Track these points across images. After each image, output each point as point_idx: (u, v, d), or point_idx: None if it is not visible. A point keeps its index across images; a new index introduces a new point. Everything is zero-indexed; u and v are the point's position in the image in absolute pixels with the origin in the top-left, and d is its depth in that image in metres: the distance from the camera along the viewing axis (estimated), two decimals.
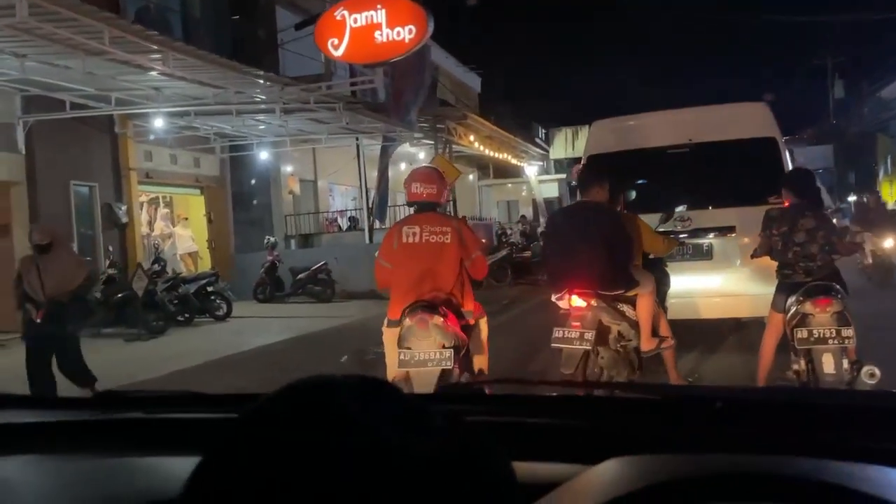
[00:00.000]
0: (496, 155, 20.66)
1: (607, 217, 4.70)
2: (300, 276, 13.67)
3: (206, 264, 14.45)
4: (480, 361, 4.43)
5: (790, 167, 6.36)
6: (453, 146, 18.26)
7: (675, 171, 6.44)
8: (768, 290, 5.16)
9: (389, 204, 15.56)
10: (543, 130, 28.72)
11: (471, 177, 27.92)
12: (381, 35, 8.55)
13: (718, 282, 6.28)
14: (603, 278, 4.54)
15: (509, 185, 27.47)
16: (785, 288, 4.84)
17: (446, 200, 4.88)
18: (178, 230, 14.42)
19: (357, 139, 14.19)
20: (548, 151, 27.74)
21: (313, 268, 13.60)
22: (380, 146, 14.83)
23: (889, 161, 35.05)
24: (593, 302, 4.51)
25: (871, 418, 1.07)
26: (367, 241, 14.46)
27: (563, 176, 28.16)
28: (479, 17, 27.61)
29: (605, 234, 4.55)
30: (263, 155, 15.22)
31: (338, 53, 8.82)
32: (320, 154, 18.12)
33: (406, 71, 14.70)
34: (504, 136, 20.34)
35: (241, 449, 0.54)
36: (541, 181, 24.82)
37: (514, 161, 22.94)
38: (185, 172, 13.84)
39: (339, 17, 8.73)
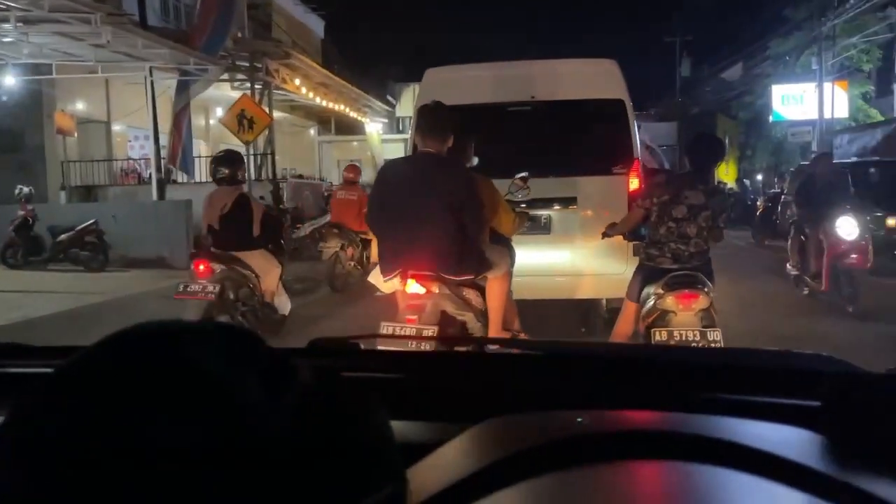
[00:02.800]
0: (332, 107, 18.38)
1: (457, 176, 3.72)
2: (61, 237, 10.88)
3: None
4: None
5: (637, 136, 5.88)
6: (275, 90, 15.83)
7: (515, 132, 5.83)
8: (613, 270, 4.91)
9: (195, 154, 12.97)
10: (395, 86, 26.63)
11: (311, 132, 25.48)
12: None
13: (557, 259, 5.78)
14: (450, 258, 3.62)
15: (355, 143, 25.27)
16: (645, 273, 4.17)
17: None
18: None
19: (149, 73, 11.40)
20: (394, 108, 25.68)
21: (79, 228, 10.85)
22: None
23: (727, 141, 36.37)
24: (435, 288, 3.61)
25: (741, 375, 1.10)
26: (155, 196, 11.85)
27: (410, 135, 26.38)
28: None
29: (453, 199, 3.61)
30: (27, 83, 12.03)
31: None
32: (117, 91, 15.03)
33: None
34: (341, 86, 18.03)
35: (56, 408, 0.45)
36: (384, 140, 22.76)
37: (355, 116, 20.73)
38: None
39: None
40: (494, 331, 3.84)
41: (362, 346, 1.38)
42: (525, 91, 5.84)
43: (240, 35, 12.84)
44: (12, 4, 7.66)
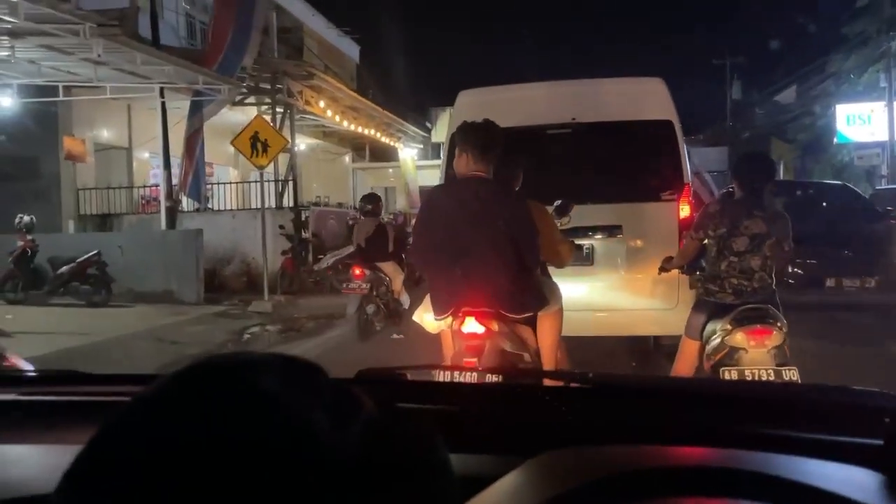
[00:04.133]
0: (363, 131, 17.54)
1: (514, 203, 3.48)
2: (62, 269, 10.11)
3: None
4: None
5: (688, 159, 5.52)
6: (304, 115, 15.04)
7: (554, 156, 5.51)
8: (664, 305, 4.85)
9: (208, 181, 12.18)
10: (432, 111, 25.78)
11: (346, 158, 24.75)
12: None
13: (601, 293, 5.39)
14: (509, 293, 3.37)
15: (390, 170, 24.44)
16: (706, 308, 3.94)
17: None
18: None
19: (159, 93, 10.65)
20: (430, 133, 24.80)
21: (80, 259, 10.06)
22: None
23: (782, 166, 34.72)
24: (494, 326, 3.34)
25: (802, 412, 1.10)
26: (164, 226, 11.03)
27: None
28: None
29: (511, 229, 3.35)
30: (41, 107, 11.42)
31: None
32: (139, 116, 14.42)
33: (227, 6, 11.38)
34: (372, 110, 17.19)
35: (135, 436, 0.47)
36: (419, 166, 21.83)
37: (388, 141, 19.89)
38: None
39: None
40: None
41: (412, 377, 1.38)
42: (565, 112, 5.54)
43: (258, 55, 12.04)
44: None
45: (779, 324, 3.69)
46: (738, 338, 3.66)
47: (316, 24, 20.81)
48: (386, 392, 1.18)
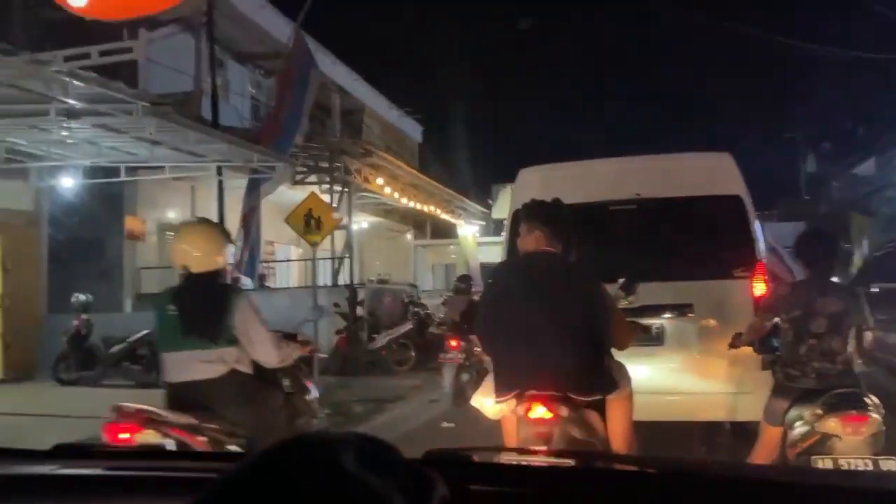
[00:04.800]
0: (423, 208, 17.40)
1: (586, 281, 3.29)
2: (113, 349, 9.99)
3: None
4: None
5: (760, 234, 5.37)
6: (364, 193, 14.99)
7: (618, 233, 5.49)
8: (740, 388, 4.75)
9: (261, 260, 12.08)
10: (493, 187, 25.63)
11: (408, 236, 24.70)
12: None
13: (672, 375, 5.20)
14: (579, 375, 3.14)
15: (451, 247, 24.22)
16: (788, 393, 3.75)
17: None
18: None
19: (217, 172, 10.71)
20: (491, 210, 24.58)
21: (131, 339, 9.94)
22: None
23: (865, 241, 32.96)
24: (562, 411, 3.07)
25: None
26: None
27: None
28: (422, 58, 24.87)
29: (582, 308, 3.15)
30: (107, 188, 11.64)
31: (78, 3, 5.50)
32: (203, 196, 14.62)
33: (284, 87, 11.51)
34: (432, 186, 17.08)
35: None
36: (480, 243, 21.50)
37: (448, 218, 19.71)
38: None
39: None
40: None
41: (483, 459, 1.35)
42: (629, 188, 5.45)
43: (318, 135, 12.09)
44: (49, 94, 6.98)
45: (875, 410, 3.51)
46: (832, 424, 3.49)
47: (378, 105, 21.15)
48: (456, 473, 1.12)
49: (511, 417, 3.28)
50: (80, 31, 6.60)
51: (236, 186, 12.35)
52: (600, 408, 3.31)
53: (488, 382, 3.45)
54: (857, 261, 32.43)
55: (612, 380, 3.29)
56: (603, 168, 5.92)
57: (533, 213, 3.45)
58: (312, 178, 14.68)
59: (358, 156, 12.89)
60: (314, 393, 4.47)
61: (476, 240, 21.97)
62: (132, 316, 12.10)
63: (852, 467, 3.39)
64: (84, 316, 10.21)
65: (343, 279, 13.01)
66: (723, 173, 5.45)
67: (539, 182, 5.56)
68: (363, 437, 0.56)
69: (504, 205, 25.25)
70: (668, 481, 1.21)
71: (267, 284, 15.46)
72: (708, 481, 1.16)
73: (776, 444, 3.86)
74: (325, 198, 13.47)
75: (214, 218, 11.16)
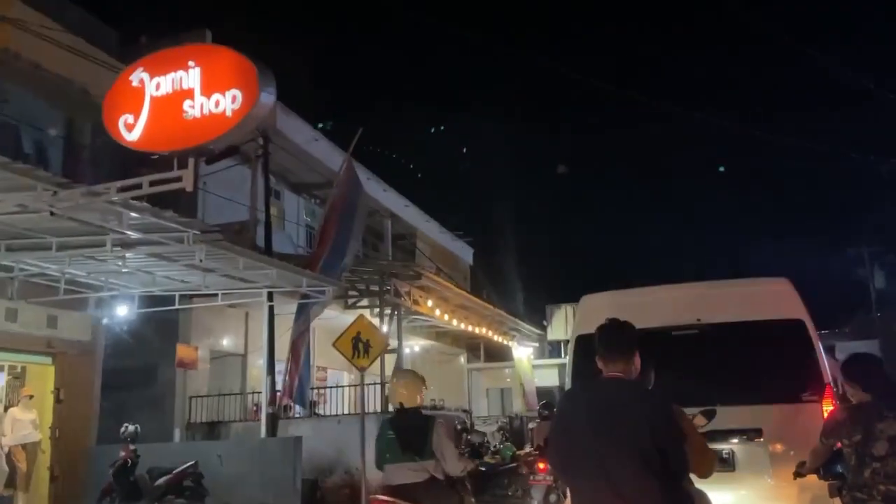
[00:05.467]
0: (475, 330, 17.11)
1: (658, 407, 3.14)
2: (159, 481, 9.71)
3: (47, 459, 10.62)
4: None
5: (824, 357, 5.38)
6: (415, 316, 14.84)
7: (682, 358, 5.33)
8: None
9: (312, 386, 11.87)
10: (547, 308, 25.23)
11: (461, 359, 24.26)
12: (194, 107, 5.47)
13: (745, 500, 5.18)
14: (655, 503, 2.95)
15: (506, 370, 23.61)
16: None
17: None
18: (15, 412, 10.68)
19: (267, 297, 10.75)
20: (545, 332, 24.05)
21: (177, 471, 9.66)
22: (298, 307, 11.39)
23: None
24: None
25: None
26: (264, 433, 10.60)
27: (564, 360, 24.35)
28: (473, 181, 25.40)
29: (655, 434, 2.98)
30: (161, 315, 11.79)
31: (132, 137, 5.70)
32: (256, 322, 14.69)
33: (333, 212, 11.72)
34: (483, 308, 16.85)
35: None
36: (535, 366, 20.90)
37: (501, 340, 19.32)
38: (29, 334, 10.38)
39: (136, 83, 5.71)
40: None
41: None
42: (690, 314, 5.59)
43: (367, 257, 12.16)
44: (107, 226, 7.18)
45: None
46: None
47: (429, 229, 21.44)
48: None
49: None
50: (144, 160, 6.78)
51: (289, 312, 12.39)
52: None
53: None
54: None
55: None
56: (664, 294, 6.03)
57: (601, 336, 3.47)
58: (364, 301, 14.70)
59: (408, 278, 12.85)
60: (472, 498, 5.74)
61: (531, 362, 21.39)
62: (178, 446, 11.88)
63: None
64: (132, 446, 10.01)
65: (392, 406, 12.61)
66: (783, 298, 5.57)
67: (602, 308, 5.42)
68: None
69: (559, 326, 24.79)
70: None
71: (317, 411, 15.16)
72: None
73: None
74: (376, 321, 13.39)
75: (265, 343, 11.12)
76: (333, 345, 9.94)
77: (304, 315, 11.33)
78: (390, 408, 13.56)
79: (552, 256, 28.02)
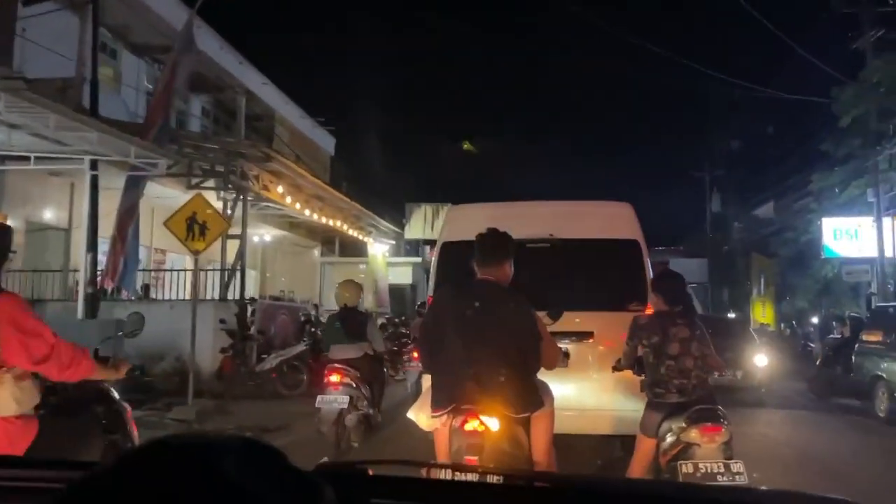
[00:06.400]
0: (330, 223, 16.50)
1: (522, 309, 3.65)
2: None
3: None
4: None
5: (651, 274, 6.00)
6: (266, 203, 13.96)
7: (533, 268, 5.59)
8: (630, 406, 5.22)
9: (141, 265, 10.88)
10: (406, 206, 24.89)
11: (315, 252, 23.63)
12: None
13: (575, 394, 5.76)
14: (513, 394, 3.50)
15: (361, 266, 23.29)
16: (658, 409, 4.39)
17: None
18: None
19: (89, 166, 9.51)
20: (403, 230, 23.83)
21: None
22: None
23: (762, 281, 34.12)
24: (496, 426, 3.43)
25: None
26: (81, 314, 9.65)
27: (419, 259, 24.36)
28: (339, 68, 24.06)
29: (518, 333, 3.57)
30: None
31: None
32: (82, 195, 13.26)
33: (168, 76, 10.48)
34: (339, 200, 16.21)
35: None
36: (390, 263, 20.71)
37: (356, 235, 18.84)
38: None
39: None
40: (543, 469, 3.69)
41: (386, 473, 1.35)
42: (544, 229, 6.17)
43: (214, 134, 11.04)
44: None
45: (726, 422, 4.21)
46: (693, 434, 4.13)
47: (289, 112, 20.14)
48: (351, 486, 1.15)
49: (443, 430, 3.59)
50: None
51: (119, 186, 11.16)
52: (526, 424, 3.63)
53: (425, 397, 3.87)
54: (754, 298, 33.55)
55: (539, 398, 3.64)
56: (521, 209, 6.66)
57: (485, 245, 3.80)
58: (211, 183, 13.61)
59: (256, 160, 11.89)
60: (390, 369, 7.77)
61: (386, 259, 21.17)
62: None
63: (710, 470, 4.08)
64: None
65: (234, 293, 11.93)
66: (623, 220, 6.27)
67: (466, 218, 6.21)
68: (249, 441, 0.52)
69: (417, 225, 24.63)
70: (555, 495, 1.29)
71: (153, 296, 14.17)
72: (594, 495, 1.25)
73: (651, 454, 4.42)
74: (221, 206, 12.42)
75: (86, 217, 9.97)
76: (165, 224, 9.06)
77: (133, 190, 10.21)
78: (229, 296, 12.99)
79: (415, 156, 27.46)
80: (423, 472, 1.74)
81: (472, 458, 3.37)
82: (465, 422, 3.46)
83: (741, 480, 4.04)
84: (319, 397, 6.78)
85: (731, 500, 1.44)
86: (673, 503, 1.29)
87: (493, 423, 3.44)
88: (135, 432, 4.07)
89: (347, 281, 7.48)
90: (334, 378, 6.71)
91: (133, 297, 11.66)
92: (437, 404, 3.57)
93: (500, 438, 3.46)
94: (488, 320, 3.54)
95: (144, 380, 11.02)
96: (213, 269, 11.92)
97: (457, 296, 3.80)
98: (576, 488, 1.36)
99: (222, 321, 11.07)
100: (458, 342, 3.54)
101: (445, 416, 3.53)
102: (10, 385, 2.83)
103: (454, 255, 5.80)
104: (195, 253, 9.09)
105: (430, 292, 6.13)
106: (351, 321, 6.97)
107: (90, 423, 3.70)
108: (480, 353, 3.48)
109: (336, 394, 6.68)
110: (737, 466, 4.07)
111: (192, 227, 8.98)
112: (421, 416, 3.81)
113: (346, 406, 6.64)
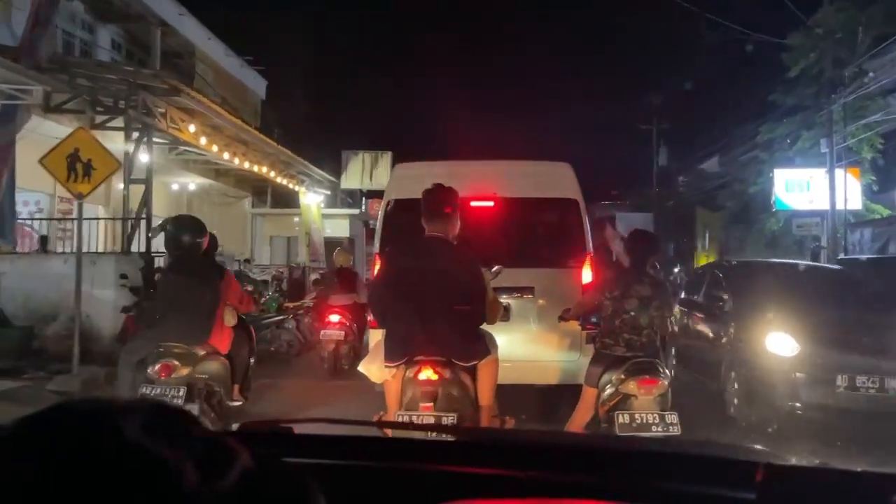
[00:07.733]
0: (256, 169, 15.10)
1: (467, 263, 3.96)
2: None
3: None
4: None
5: (589, 232, 6.37)
6: (185, 147, 12.50)
7: (478, 225, 5.85)
8: (568, 357, 5.93)
9: (21, 215, 9.43)
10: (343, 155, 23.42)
11: (246, 203, 22.11)
12: None
13: (516, 346, 5.79)
14: (461, 344, 3.88)
15: (296, 218, 21.92)
16: (603, 360, 4.61)
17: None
18: None
19: None
20: (340, 180, 22.46)
21: None
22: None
23: (707, 235, 34.04)
24: (446, 374, 3.81)
25: (680, 466, 1.12)
26: None
27: (357, 211, 23.08)
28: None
29: (464, 286, 3.88)
30: None
31: None
32: None
33: None
34: (264, 144, 14.79)
35: None
36: (326, 215, 19.42)
37: (287, 184, 17.46)
38: None
39: None
40: (487, 413, 3.99)
41: (304, 432, 1.33)
42: (488, 188, 6.34)
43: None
44: None
45: (664, 375, 4.43)
46: (631, 386, 4.35)
47: (213, 49, 18.39)
48: (270, 446, 1.13)
49: (394, 381, 3.87)
50: None
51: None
52: (473, 371, 3.95)
53: (374, 351, 4.14)
54: (699, 252, 33.48)
55: (485, 347, 3.98)
56: (467, 168, 6.69)
57: (431, 201, 3.99)
58: (119, 122, 12.08)
59: (162, 93, 10.40)
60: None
61: (321, 211, 19.87)
62: None
63: (645, 421, 4.21)
64: None
65: (138, 246, 10.57)
66: (563, 180, 6.43)
67: (412, 177, 6.21)
68: (155, 404, 0.50)
69: (355, 174, 23.25)
70: (482, 449, 1.31)
71: (56, 249, 12.63)
72: (517, 449, 1.29)
73: (592, 403, 4.59)
74: (127, 147, 10.93)
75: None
76: (40, 161, 7.65)
77: (8, 125, 8.70)
78: (133, 249, 11.59)
79: (353, 101, 25.86)
80: (349, 430, 1.65)
81: (427, 405, 3.71)
82: (418, 371, 3.77)
83: (674, 431, 4.16)
84: (322, 332, 9.07)
85: (652, 451, 1.44)
86: (602, 454, 1.29)
87: (445, 373, 3.77)
88: None
89: (340, 249, 10.18)
90: (333, 318, 9.01)
91: (11, 250, 10.18)
92: (391, 357, 3.85)
93: (451, 386, 3.81)
94: (437, 275, 3.78)
95: (32, 344, 9.74)
96: (114, 219, 10.52)
97: (406, 253, 4.09)
98: (495, 442, 1.44)
99: (123, 276, 9.72)
100: (409, 297, 3.80)
101: (399, 368, 3.83)
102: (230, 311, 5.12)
103: (400, 213, 5.96)
104: (78, 196, 7.75)
105: (377, 249, 6.25)
106: (343, 278, 9.59)
107: None
108: (431, 307, 3.75)
109: (334, 330, 8.90)
110: (671, 417, 4.24)
111: (75, 166, 7.62)
112: (372, 368, 4.07)
113: (341, 338, 8.87)
